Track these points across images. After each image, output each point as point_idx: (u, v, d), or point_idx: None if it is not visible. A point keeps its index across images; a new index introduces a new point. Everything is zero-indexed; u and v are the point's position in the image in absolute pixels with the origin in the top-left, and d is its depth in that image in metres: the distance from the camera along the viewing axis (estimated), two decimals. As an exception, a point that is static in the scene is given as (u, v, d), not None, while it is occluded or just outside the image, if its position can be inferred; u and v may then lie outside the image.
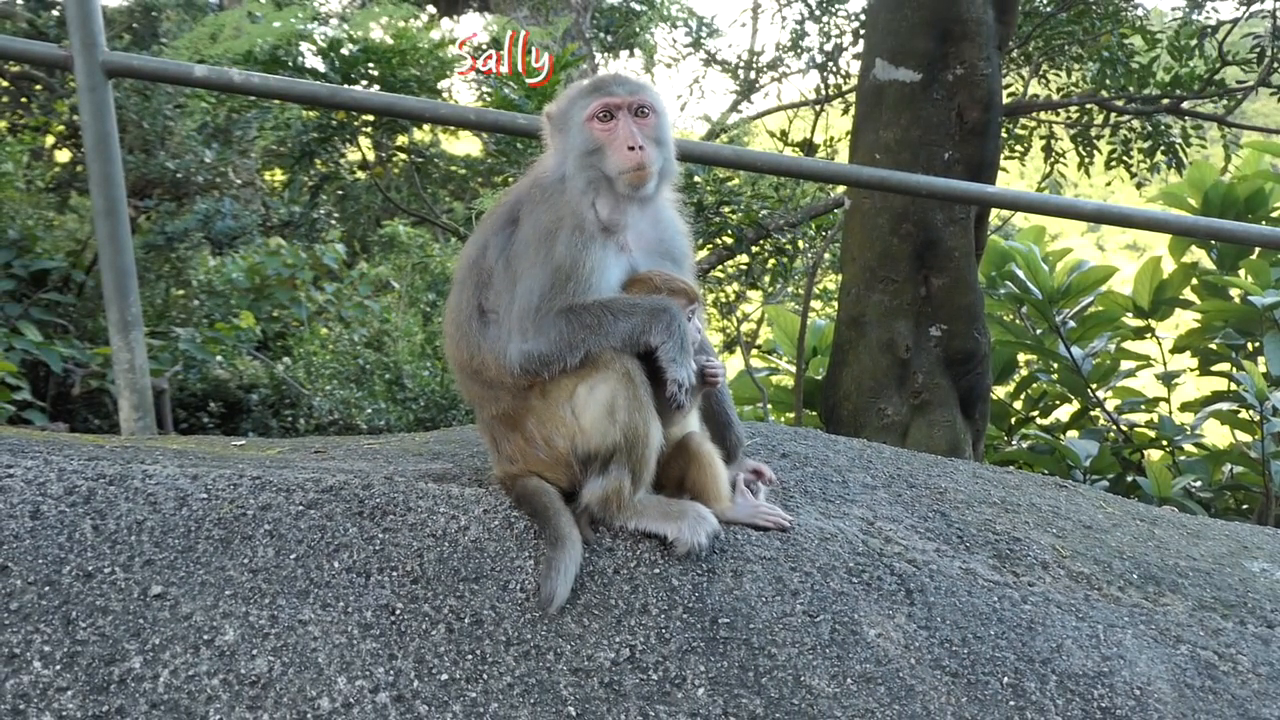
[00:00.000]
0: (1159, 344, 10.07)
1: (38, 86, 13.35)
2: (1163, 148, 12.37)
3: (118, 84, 9.50)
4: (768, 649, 2.83)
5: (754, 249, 11.34)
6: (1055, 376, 10.03)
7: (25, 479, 2.87)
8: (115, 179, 5.02)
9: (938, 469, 4.27)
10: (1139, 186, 13.39)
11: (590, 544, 2.98)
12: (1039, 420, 10.42)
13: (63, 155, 13.94)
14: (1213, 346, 9.63)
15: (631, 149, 3.11)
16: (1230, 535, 4.26)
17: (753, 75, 15.71)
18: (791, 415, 9.58)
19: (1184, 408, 9.80)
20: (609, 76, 3.28)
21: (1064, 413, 10.43)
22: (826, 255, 11.64)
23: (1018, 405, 10.40)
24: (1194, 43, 11.97)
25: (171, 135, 11.93)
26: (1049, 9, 12.02)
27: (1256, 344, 9.05)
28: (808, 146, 12.79)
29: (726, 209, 10.40)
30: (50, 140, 13.66)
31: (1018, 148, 13.30)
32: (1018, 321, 10.14)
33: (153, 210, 11.87)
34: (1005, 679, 2.92)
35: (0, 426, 4.06)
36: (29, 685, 2.40)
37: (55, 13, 13.31)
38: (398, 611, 2.73)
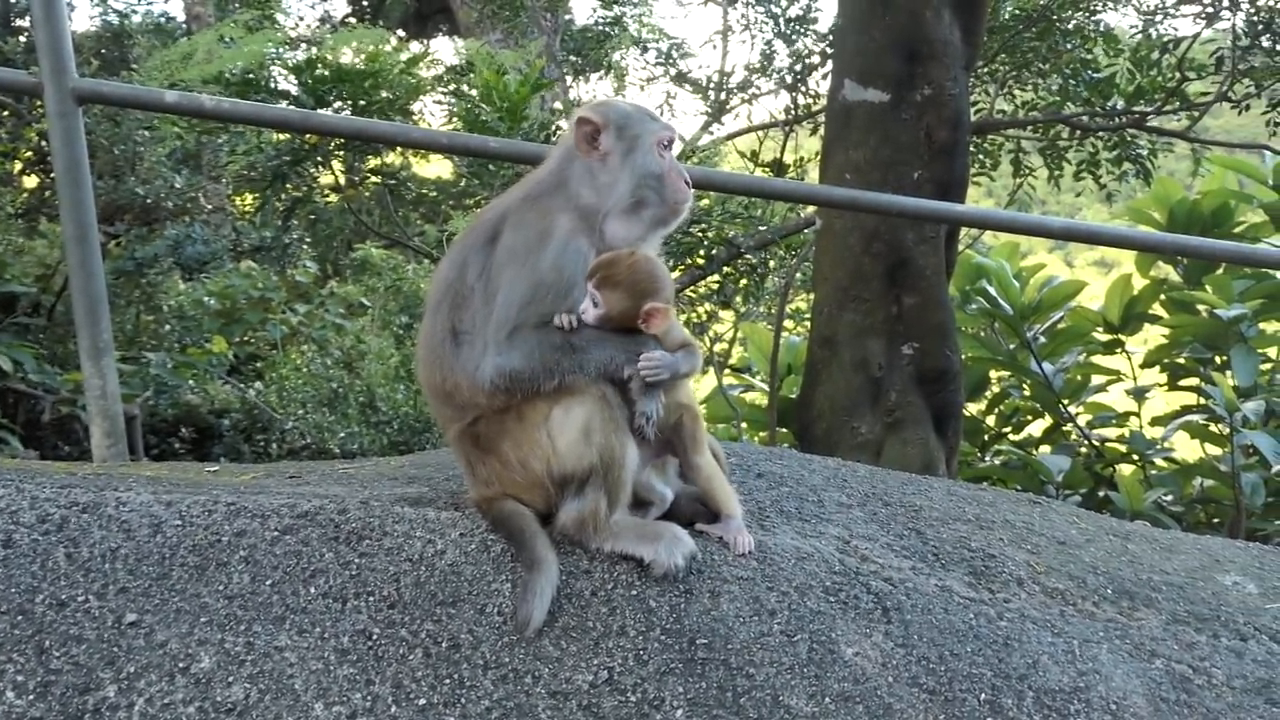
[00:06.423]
0: (1129, 359, 10.15)
1: (5, 112, 13.28)
2: (1129, 159, 12.51)
3: (87, 110, 9.46)
4: (746, 669, 2.83)
5: (725, 269, 11.37)
6: (1027, 392, 10.08)
7: (-3, 508, 2.84)
8: (86, 205, 4.99)
9: (912, 487, 4.28)
10: (1109, 198, 13.52)
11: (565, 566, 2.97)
12: (1011, 436, 10.47)
13: (30, 181, 13.85)
14: (1181, 361, 9.71)
15: (685, 183, 3.24)
16: (1202, 549, 4.28)
17: (723, 96, 15.74)
18: (766, 434, 9.59)
19: (1154, 422, 9.88)
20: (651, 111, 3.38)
21: (1036, 428, 10.48)
22: (798, 275, 11.69)
23: (990, 421, 10.44)
24: (1155, 55, 12.13)
25: (141, 161, 11.87)
26: (1015, 26, 12.15)
27: (1224, 357, 9.14)
28: (778, 167, 12.85)
29: (697, 228, 10.44)
30: (18, 166, 13.58)
31: (986, 163, 13.40)
32: (990, 336, 10.20)
33: (123, 236, 11.80)
34: (982, 695, 2.93)
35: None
36: (2, 715, 2.37)
37: (23, 39, 13.24)
38: (375, 636, 2.72)
